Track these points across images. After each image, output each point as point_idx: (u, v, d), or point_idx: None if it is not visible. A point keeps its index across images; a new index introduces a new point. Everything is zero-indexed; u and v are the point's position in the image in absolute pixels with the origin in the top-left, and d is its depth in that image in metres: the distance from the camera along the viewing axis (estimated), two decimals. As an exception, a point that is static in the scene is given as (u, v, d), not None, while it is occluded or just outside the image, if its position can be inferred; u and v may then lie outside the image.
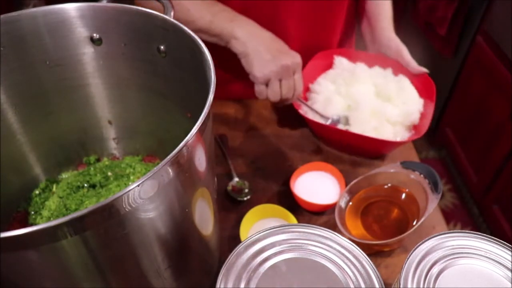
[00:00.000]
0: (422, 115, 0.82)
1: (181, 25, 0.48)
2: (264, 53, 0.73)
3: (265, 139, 0.85)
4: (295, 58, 0.75)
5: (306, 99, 0.88)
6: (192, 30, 0.65)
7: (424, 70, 0.85)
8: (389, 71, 0.88)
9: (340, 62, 0.91)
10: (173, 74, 0.54)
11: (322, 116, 0.83)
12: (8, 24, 0.49)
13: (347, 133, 0.76)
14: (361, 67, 0.89)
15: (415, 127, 0.82)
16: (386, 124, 0.80)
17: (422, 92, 0.85)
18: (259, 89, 0.76)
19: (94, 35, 0.54)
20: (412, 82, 0.86)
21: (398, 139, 0.80)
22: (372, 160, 0.82)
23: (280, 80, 0.75)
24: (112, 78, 0.59)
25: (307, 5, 0.84)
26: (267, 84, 0.75)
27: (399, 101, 0.82)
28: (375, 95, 0.84)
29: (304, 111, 0.82)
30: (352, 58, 0.92)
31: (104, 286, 0.40)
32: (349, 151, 0.83)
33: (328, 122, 0.82)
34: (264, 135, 0.86)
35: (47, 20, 0.51)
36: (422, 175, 0.64)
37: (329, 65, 0.92)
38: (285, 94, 0.76)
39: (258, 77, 0.74)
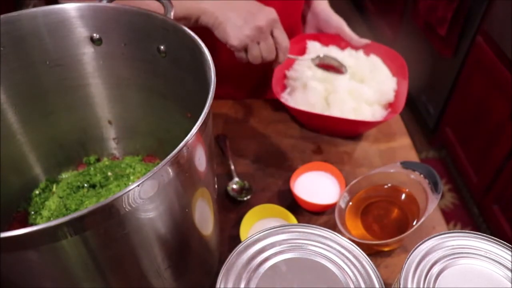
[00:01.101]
0: (397, 93, 0.86)
1: (181, 25, 0.48)
2: (235, 19, 0.70)
3: (265, 139, 0.85)
4: (270, 14, 0.71)
5: (284, 86, 0.91)
6: None
7: (366, 41, 0.90)
8: (360, 52, 0.92)
9: (314, 46, 0.93)
10: (173, 74, 0.54)
11: (305, 59, 0.86)
12: (8, 24, 0.49)
13: (327, 117, 0.80)
14: (334, 50, 0.92)
15: (391, 105, 0.86)
16: (363, 104, 0.83)
17: (394, 71, 0.89)
18: (239, 55, 0.73)
19: (94, 35, 0.54)
20: (384, 61, 0.90)
21: (377, 117, 0.83)
22: (372, 160, 0.82)
23: (259, 43, 0.72)
24: (112, 78, 0.59)
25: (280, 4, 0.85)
26: (246, 50, 0.72)
27: (373, 81, 0.86)
28: (350, 76, 0.87)
29: (285, 98, 0.87)
30: (324, 42, 0.95)
31: (104, 286, 0.40)
32: (330, 133, 0.86)
33: (317, 61, 0.85)
34: (264, 135, 0.86)
35: (47, 20, 0.52)
36: (422, 175, 0.64)
37: (302, 50, 0.95)
38: (267, 56, 0.73)
39: (235, 45, 0.71)
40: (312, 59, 0.85)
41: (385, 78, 0.87)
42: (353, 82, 0.86)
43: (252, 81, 0.98)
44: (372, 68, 0.88)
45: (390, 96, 0.85)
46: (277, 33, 0.73)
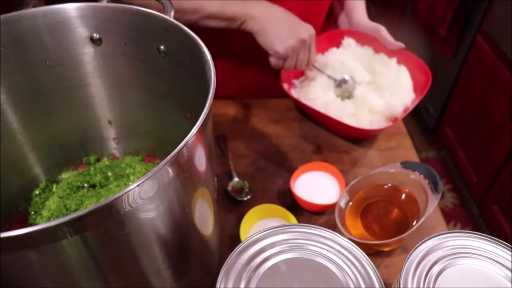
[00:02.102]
0: (405, 109, 0.83)
1: (181, 25, 0.48)
2: (281, 29, 0.75)
3: (265, 139, 0.85)
4: (309, 30, 0.78)
5: (303, 72, 0.93)
6: (201, 17, 0.68)
7: (400, 45, 0.88)
8: (393, 60, 0.89)
9: (349, 43, 0.93)
10: (173, 74, 0.54)
11: (330, 77, 0.87)
12: (8, 24, 0.49)
13: (323, 115, 0.81)
14: (368, 51, 0.91)
15: (394, 118, 0.84)
16: (365, 111, 0.82)
17: (417, 87, 0.86)
18: (276, 62, 0.80)
19: (94, 35, 0.54)
20: (412, 75, 0.87)
21: (373, 126, 0.82)
22: (372, 160, 0.82)
23: (298, 54, 0.79)
24: (112, 78, 0.59)
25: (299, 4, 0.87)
26: (284, 58, 0.79)
27: (388, 92, 0.84)
28: (369, 79, 0.86)
29: (295, 84, 0.91)
30: (360, 41, 0.93)
31: (104, 286, 0.40)
32: (328, 129, 0.87)
33: (336, 83, 0.86)
34: (264, 135, 0.86)
35: (47, 20, 0.51)
36: (422, 175, 0.64)
37: (337, 45, 0.94)
38: (300, 66, 0.81)
39: (280, 53, 0.77)
40: (334, 80, 0.86)
41: (403, 93, 0.84)
42: (366, 87, 0.85)
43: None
44: (395, 79, 0.85)
45: (398, 111, 0.82)
46: (312, 48, 0.80)
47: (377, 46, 0.91)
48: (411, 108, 0.82)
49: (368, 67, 0.88)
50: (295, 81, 0.92)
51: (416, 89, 0.86)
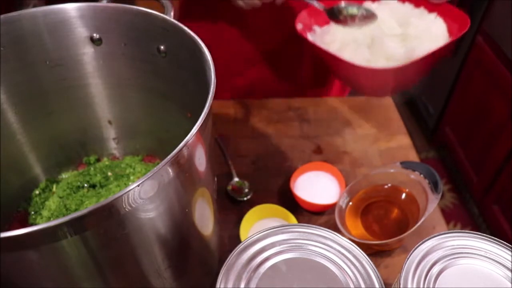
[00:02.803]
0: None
1: (181, 25, 0.48)
2: None
3: (265, 139, 0.85)
4: None
5: (327, 21, 0.87)
6: None
7: None
8: (432, 15, 0.83)
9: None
10: (173, 74, 0.54)
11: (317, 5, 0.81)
12: (8, 24, 0.49)
13: (333, 57, 0.74)
14: (407, 5, 0.86)
15: None
16: (381, 59, 0.76)
17: (453, 35, 0.80)
18: (237, 4, 0.77)
19: (94, 35, 0.54)
20: (450, 29, 0.80)
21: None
22: (372, 160, 0.82)
23: None
24: (112, 78, 0.59)
25: None
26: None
27: (414, 41, 0.77)
28: (399, 32, 0.80)
29: (315, 29, 0.85)
30: None
31: (104, 286, 0.40)
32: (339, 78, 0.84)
33: (328, 13, 0.79)
34: (264, 135, 0.86)
35: (47, 20, 0.51)
36: (422, 175, 0.64)
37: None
38: None
39: None
40: (326, 9, 0.79)
41: (430, 40, 0.77)
42: (380, 31, 0.79)
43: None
44: (425, 29, 0.78)
45: (417, 55, 0.73)
46: None
47: (418, 3, 0.85)
48: (435, 49, 0.73)
49: (404, 22, 0.82)
50: (316, 28, 0.86)
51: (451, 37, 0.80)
